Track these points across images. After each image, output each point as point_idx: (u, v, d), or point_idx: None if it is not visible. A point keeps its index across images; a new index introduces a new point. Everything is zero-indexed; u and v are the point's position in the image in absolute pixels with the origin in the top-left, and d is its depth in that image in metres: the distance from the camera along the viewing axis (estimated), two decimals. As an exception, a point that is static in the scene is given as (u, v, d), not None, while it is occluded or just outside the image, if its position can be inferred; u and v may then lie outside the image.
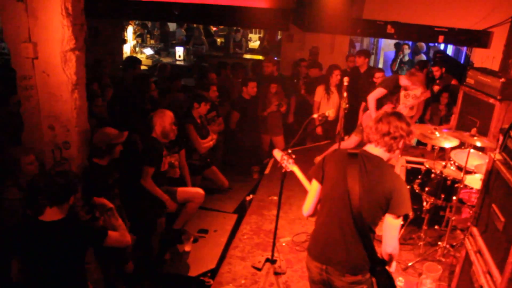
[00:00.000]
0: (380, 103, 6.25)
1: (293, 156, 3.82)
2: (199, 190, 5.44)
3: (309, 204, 3.24)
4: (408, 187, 5.10)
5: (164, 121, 5.11)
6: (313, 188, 3.21)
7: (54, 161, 4.36)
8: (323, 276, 3.11)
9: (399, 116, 2.99)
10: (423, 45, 11.33)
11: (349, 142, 6.53)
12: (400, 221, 2.96)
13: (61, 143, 4.31)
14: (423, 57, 10.99)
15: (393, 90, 6.34)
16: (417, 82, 6.12)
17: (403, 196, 2.92)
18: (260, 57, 12.20)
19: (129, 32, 12.01)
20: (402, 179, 3.05)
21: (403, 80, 6.21)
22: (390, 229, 2.96)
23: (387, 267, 3.06)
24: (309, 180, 3.27)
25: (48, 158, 4.34)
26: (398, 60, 10.67)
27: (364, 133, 3.11)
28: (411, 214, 5.13)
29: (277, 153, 3.76)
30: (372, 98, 6.26)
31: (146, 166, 4.97)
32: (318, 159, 6.39)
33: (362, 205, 2.90)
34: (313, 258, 3.18)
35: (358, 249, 2.99)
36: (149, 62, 12.09)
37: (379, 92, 6.27)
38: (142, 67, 10.61)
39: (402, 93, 7.09)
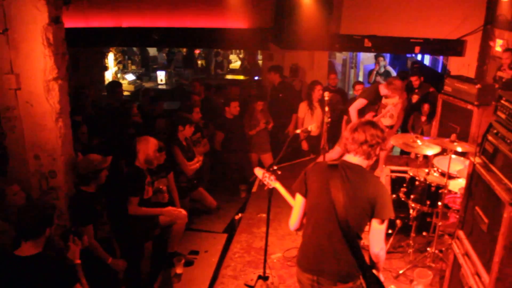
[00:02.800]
0: (362, 113, 6.34)
1: (279, 173, 3.87)
2: (181, 211, 5.48)
3: (295, 218, 3.28)
4: (394, 196, 5.25)
5: (148, 149, 5.13)
6: (298, 202, 3.26)
7: (40, 191, 4.35)
8: (314, 286, 3.14)
9: (373, 124, 3.09)
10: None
11: (333, 153, 6.59)
12: (385, 225, 3.03)
13: (47, 172, 4.31)
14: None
15: (374, 100, 6.46)
16: (395, 90, 6.23)
17: (386, 201, 3.01)
18: (241, 77, 12.33)
19: (110, 59, 12.04)
20: (383, 184, 3.14)
21: (383, 89, 6.33)
22: (376, 233, 3.04)
23: (376, 273, 3.11)
24: (293, 194, 3.33)
25: (35, 188, 4.34)
26: (375, 72, 10.85)
27: (342, 143, 3.20)
28: (399, 223, 5.19)
29: (258, 171, 3.80)
30: (353, 109, 6.37)
31: (130, 196, 5.00)
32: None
33: (348, 214, 2.96)
34: (303, 270, 3.21)
35: (348, 257, 3.04)
36: (131, 87, 12.10)
37: (360, 102, 6.39)
38: (125, 93, 10.64)
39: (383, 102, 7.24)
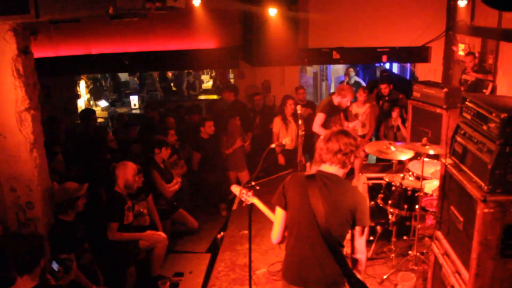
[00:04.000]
0: (328, 127, 6.34)
1: (257, 188, 3.90)
2: (160, 234, 5.48)
3: (276, 232, 3.30)
4: (372, 202, 5.32)
5: (127, 173, 5.14)
6: (278, 215, 3.28)
7: (18, 223, 4.30)
8: None
9: (345, 133, 3.16)
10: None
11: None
12: (366, 232, 3.12)
13: (24, 204, 4.26)
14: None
15: (332, 112, 6.40)
16: (346, 93, 6.25)
17: (365, 208, 3.10)
18: (215, 97, 12.37)
19: (82, 86, 11.97)
20: (361, 192, 3.21)
21: (336, 99, 6.34)
22: (358, 239, 3.14)
23: (356, 272, 3.16)
24: (273, 208, 3.35)
25: (12, 220, 4.28)
26: (345, 83, 11.03)
27: (316, 154, 3.25)
28: (379, 229, 5.26)
29: (235, 188, 3.79)
30: (317, 126, 6.28)
31: (109, 222, 4.98)
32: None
33: (329, 223, 3.01)
34: (289, 282, 3.23)
35: (332, 265, 3.08)
36: (105, 114, 12.04)
37: (319, 118, 6.29)
38: (99, 120, 10.57)
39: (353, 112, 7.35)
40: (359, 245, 3.15)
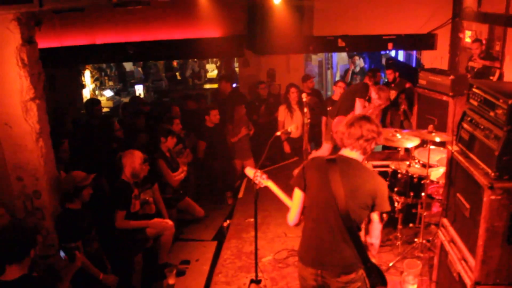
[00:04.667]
0: (347, 108, 6.29)
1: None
2: (168, 221, 5.50)
3: (294, 213, 3.32)
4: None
5: (134, 162, 5.15)
6: (296, 197, 3.30)
7: (25, 212, 4.33)
8: (318, 282, 3.20)
9: (368, 119, 3.18)
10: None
11: (323, 150, 6.58)
12: (383, 217, 3.15)
13: (31, 193, 4.28)
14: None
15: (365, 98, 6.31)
16: (382, 98, 6.14)
17: (385, 193, 3.14)
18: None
19: (87, 77, 11.97)
20: (381, 178, 3.22)
21: (372, 92, 6.23)
22: (376, 225, 3.20)
23: (370, 255, 3.21)
24: (291, 189, 3.37)
25: (20, 209, 4.30)
26: (351, 71, 10.97)
27: (337, 138, 3.26)
28: (385, 216, 5.25)
29: (249, 171, 3.78)
30: (360, 108, 6.17)
31: (117, 210, 5.00)
32: (296, 171, 6.47)
33: (348, 206, 3.05)
34: (306, 265, 3.26)
35: (349, 248, 3.12)
36: (110, 103, 12.05)
37: (360, 104, 6.20)
38: (104, 109, 10.58)
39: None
40: (375, 230, 3.20)
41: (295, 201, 3.31)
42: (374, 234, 3.22)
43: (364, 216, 3.17)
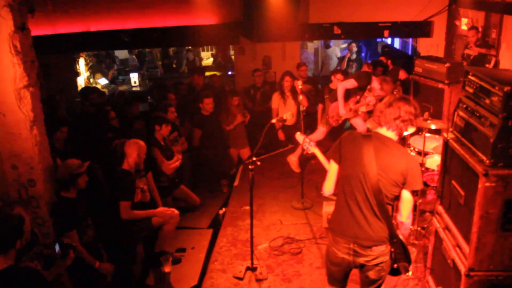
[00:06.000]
0: (347, 94, 6.29)
1: (258, 164, 3.91)
2: (174, 210, 5.46)
3: (330, 184, 3.44)
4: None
5: (141, 152, 5.13)
6: (332, 169, 3.41)
7: (21, 200, 4.31)
8: (350, 253, 3.28)
9: (407, 100, 3.22)
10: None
11: (317, 134, 6.57)
12: (413, 195, 3.25)
13: (26, 181, 4.26)
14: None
15: (364, 87, 6.28)
16: (386, 90, 5.96)
17: (417, 173, 3.18)
18: (217, 73, 12.29)
19: (81, 64, 11.88)
20: (414, 157, 3.26)
21: (375, 82, 6.11)
22: (407, 203, 3.25)
23: (399, 233, 3.28)
24: (328, 161, 3.48)
25: (14, 198, 4.29)
26: (347, 58, 10.92)
27: (375, 117, 3.34)
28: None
29: (299, 137, 3.98)
30: (342, 86, 6.20)
31: (122, 202, 4.94)
32: (291, 157, 6.48)
33: (380, 182, 3.11)
34: (340, 237, 3.32)
35: (379, 223, 3.19)
36: (105, 91, 11.99)
37: (350, 83, 6.19)
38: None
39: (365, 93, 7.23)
40: (405, 208, 3.26)
41: (331, 173, 3.43)
42: (404, 213, 3.27)
43: (395, 193, 3.22)
